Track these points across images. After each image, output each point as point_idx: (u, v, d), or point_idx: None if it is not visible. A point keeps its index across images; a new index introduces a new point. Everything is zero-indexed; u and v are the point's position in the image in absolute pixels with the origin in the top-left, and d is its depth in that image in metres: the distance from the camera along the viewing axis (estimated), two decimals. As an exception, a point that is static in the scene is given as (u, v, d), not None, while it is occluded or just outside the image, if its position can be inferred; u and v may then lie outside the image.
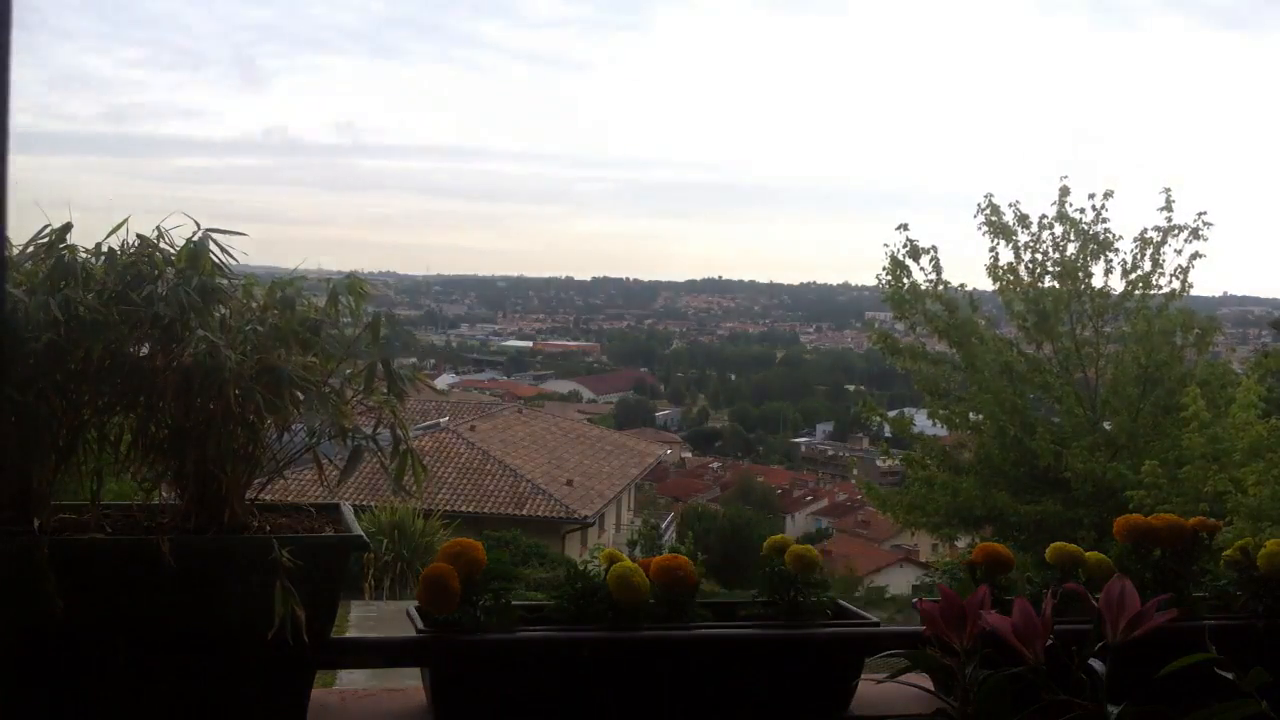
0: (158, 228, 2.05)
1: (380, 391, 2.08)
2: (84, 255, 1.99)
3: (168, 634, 1.96)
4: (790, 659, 2.39)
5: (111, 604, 1.91)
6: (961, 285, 15.31)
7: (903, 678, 2.07)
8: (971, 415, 14.87)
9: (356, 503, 2.38)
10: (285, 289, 2.08)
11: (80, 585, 1.85)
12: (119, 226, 2.03)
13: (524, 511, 25.66)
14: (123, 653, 1.91)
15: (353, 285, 2.13)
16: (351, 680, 3.11)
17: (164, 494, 2.10)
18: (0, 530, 1.88)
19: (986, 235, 14.93)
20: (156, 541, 1.88)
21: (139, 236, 2.04)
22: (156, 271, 1.98)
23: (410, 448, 2.09)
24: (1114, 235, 14.58)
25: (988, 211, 14.98)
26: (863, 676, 2.41)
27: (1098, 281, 14.64)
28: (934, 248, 15.10)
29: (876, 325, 17.35)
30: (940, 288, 15.05)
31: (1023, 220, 14.88)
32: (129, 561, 1.92)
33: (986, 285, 15.27)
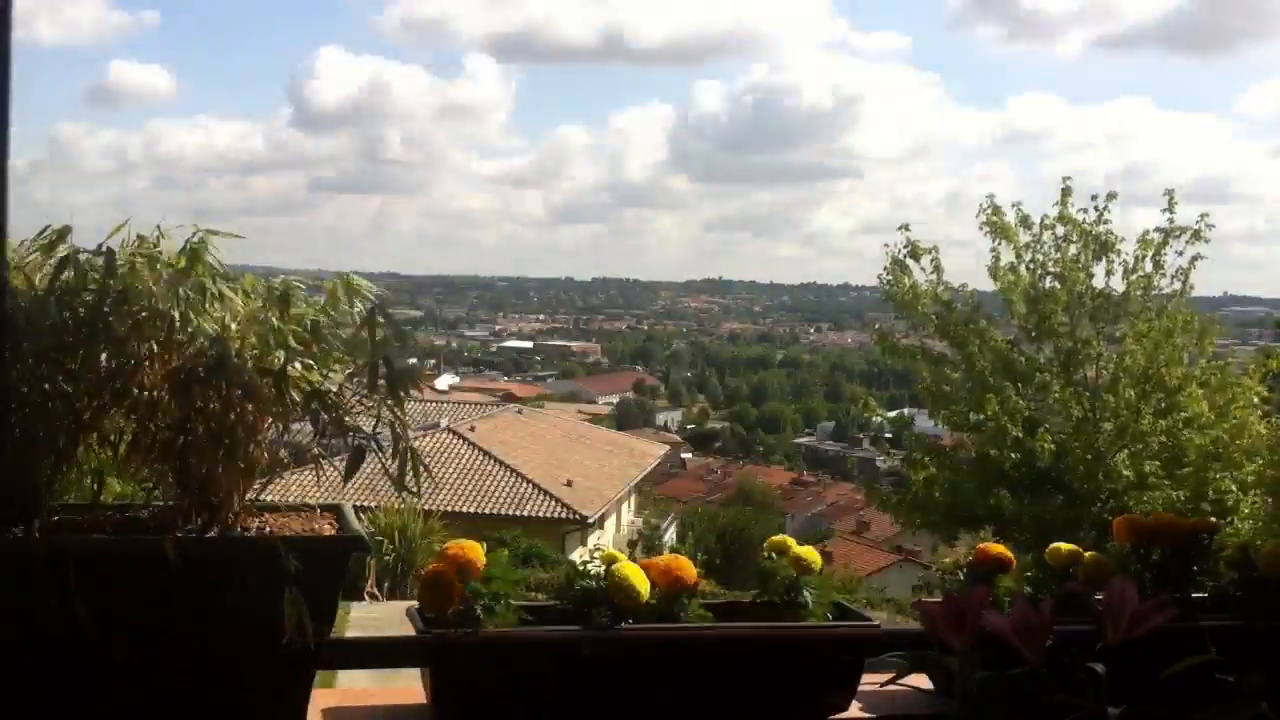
0: (157, 228, 2.05)
1: (381, 391, 2.07)
2: (85, 256, 1.99)
3: (167, 635, 1.95)
4: (790, 659, 2.39)
5: (111, 605, 1.91)
6: (963, 285, 15.33)
7: (903, 679, 2.08)
8: (972, 415, 14.87)
9: (357, 503, 2.38)
10: (283, 288, 2.07)
11: (80, 586, 1.85)
12: (120, 228, 2.02)
13: (524, 511, 25.66)
14: (122, 653, 1.91)
15: (350, 284, 2.12)
16: (351, 680, 3.11)
17: (164, 494, 2.10)
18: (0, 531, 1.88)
19: (988, 236, 14.94)
20: (157, 542, 1.88)
21: (138, 237, 2.04)
22: (156, 272, 1.98)
23: (411, 446, 2.08)
24: (1116, 236, 14.59)
25: (989, 212, 14.99)
26: (863, 677, 2.41)
27: (1099, 282, 14.66)
28: (935, 248, 15.12)
29: (877, 325, 17.36)
30: (940, 288, 15.07)
31: (1024, 221, 14.89)
32: (129, 562, 1.92)
33: (988, 285, 15.28)
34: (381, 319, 2.04)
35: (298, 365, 2.02)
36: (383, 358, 2.03)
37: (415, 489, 2.07)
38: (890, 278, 15.23)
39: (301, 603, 1.90)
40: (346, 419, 2.04)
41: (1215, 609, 2.59)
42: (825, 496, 55.47)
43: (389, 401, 2.05)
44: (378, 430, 2.07)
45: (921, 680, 2.12)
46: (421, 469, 2.10)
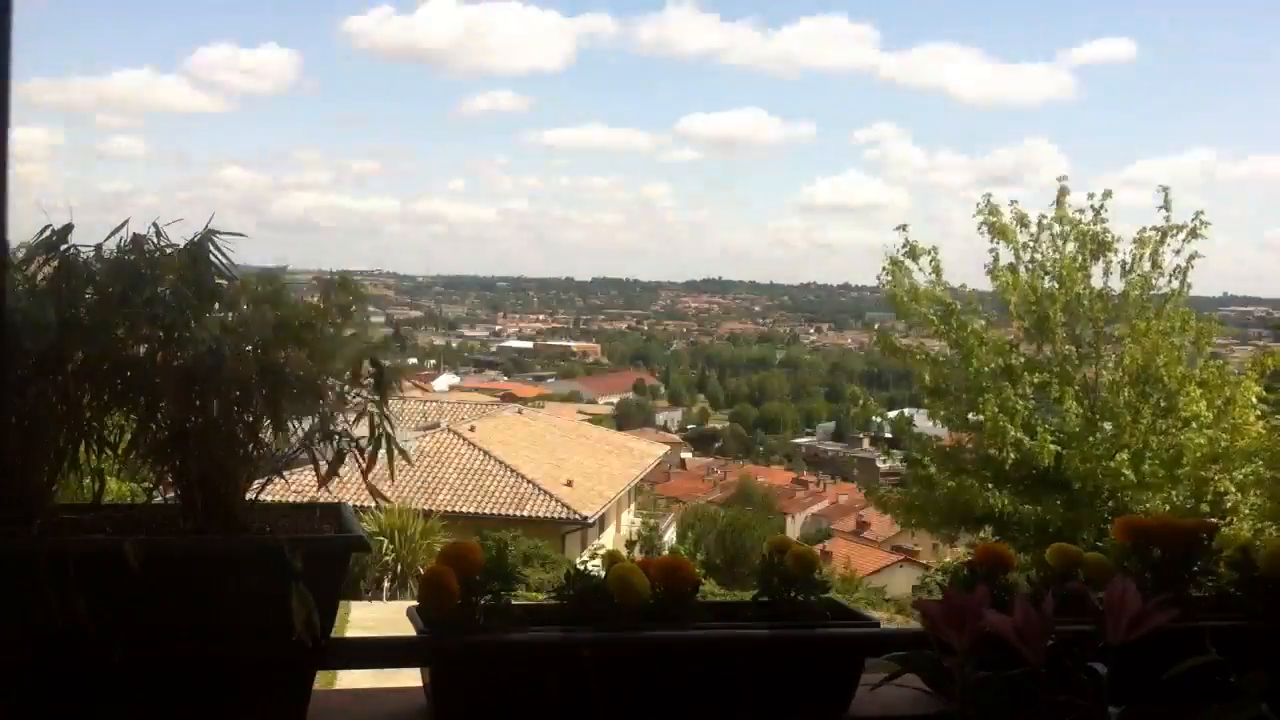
0: (155, 226, 2.04)
1: (366, 387, 2.06)
2: (85, 256, 1.98)
3: (167, 635, 1.95)
4: (790, 659, 2.39)
5: (110, 605, 1.91)
6: (962, 285, 15.35)
7: (902, 679, 2.08)
8: (971, 416, 14.88)
9: (357, 504, 2.37)
10: (282, 287, 2.07)
11: (80, 587, 1.85)
12: (120, 228, 2.02)
13: (524, 512, 25.68)
14: (121, 654, 1.91)
15: (347, 283, 2.12)
16: (351, 680, 3.10)
17: (164, 495, 2.10)
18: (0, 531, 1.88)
19: (986, 235, 14.95)
20: (156, 542, 1.88)
21: (138, 236, 2.04)
22: (157, 272, 1.98)
23: (388, 431, 2.07)
24: (1113, 235, 14.60)
25: (986, 212, 15.00)
26: (863, 677, 2.41)
27: (1097, 282, 14.67)
28: (934, 248, 15.15)
29: (877, 326, 17.38)
30: (940, 288, 15.08)
31: (1022, 220, 14.90)
32: (129, 563, 1.91)
33: (987, 285, 15.29)
34: (380, 319, 2.04)
35: (298, 363, 2.02)
36: (370, 357, 2.03)
37: (389, 478, 2.05)
38: (890, 278, 15.25)
39: (309, 599, 1.90)
40: (330, 424, 2.04)
41: (1215, 609, 2.58)
42: (825, 496, 55.50)
43: (374, 399, 2.04)
44: (362, 436, 2.06)
45: (921, 681, 2.12)
46: (398, 453, 2.09)
